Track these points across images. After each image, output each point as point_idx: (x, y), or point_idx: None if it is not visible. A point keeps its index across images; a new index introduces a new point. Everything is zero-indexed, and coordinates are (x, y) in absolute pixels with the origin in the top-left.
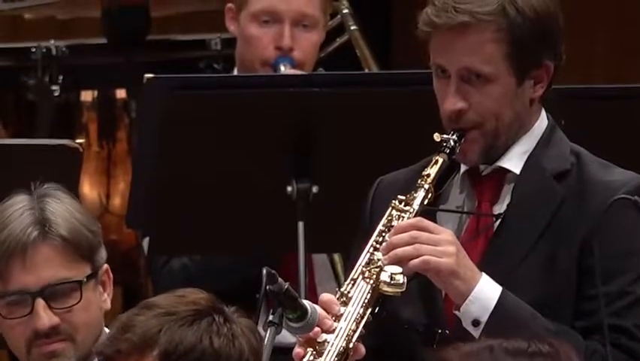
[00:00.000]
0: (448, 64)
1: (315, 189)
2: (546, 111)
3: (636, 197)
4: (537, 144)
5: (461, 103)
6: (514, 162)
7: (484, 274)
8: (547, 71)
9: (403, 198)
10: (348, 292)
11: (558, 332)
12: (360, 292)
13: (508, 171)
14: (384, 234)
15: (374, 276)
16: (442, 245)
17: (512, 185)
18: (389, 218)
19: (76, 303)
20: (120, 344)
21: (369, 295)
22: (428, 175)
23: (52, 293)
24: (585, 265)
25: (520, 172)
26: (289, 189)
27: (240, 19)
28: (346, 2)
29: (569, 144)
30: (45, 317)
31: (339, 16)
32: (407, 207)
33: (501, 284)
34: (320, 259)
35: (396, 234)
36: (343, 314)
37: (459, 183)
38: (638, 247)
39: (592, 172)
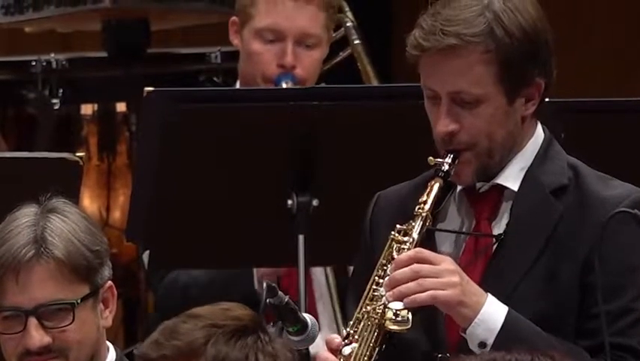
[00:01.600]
0: (438, 87)
1: (315, 202)
2: (545, 125)
3: (636, 210)
4: (534, 159)
5: (453, 125)
6: (511, 178)
7: (489, 295)
8: (538, 88)
9: (402, 228)
10: (355, 331)
11: (565, 351)
12: (365, 331)
13: (505, 188)
14: (385, 267)
15: (379, 314)
16: (444, 276)
17: (510, 202)
18: (389, 251)
19: (69, 324)
20: (166, 349)
21: (375, 333)
22: (425, 202)
23: (45, 313)
24: (587, 283)
25: (518, 189)
26: (289, 202)
27: (244, 33)
28: (350, 15)
29: (567, 158)
30: (36, 336)
31: (342, 29)
32: (406, 238)
33: (502, 301)
34: (319, 274)
35: (397, 268)
36: (352, 355)
37: (456, 201)
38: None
39: (590, 187)
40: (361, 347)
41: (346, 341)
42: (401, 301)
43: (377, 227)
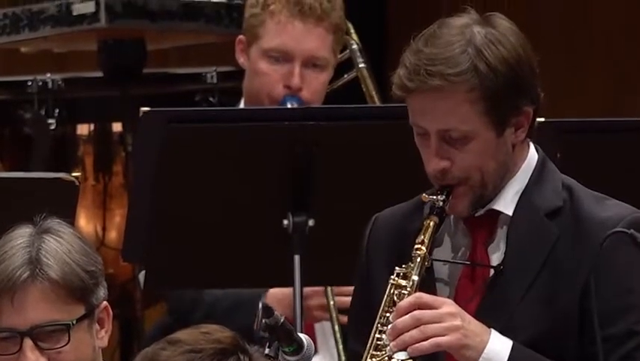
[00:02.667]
0: (427, 124)
1: (311, 222)
2: (539, 144)
3: (632, 230)
4: (528, 182)
5: (444, 162)
6: (506, 203)
7: (492, 331)
8: (526, 116)
9: (401, 270)
10: None
11: None
12: None
13: (500, 213)
14: (387, 314)
15: None
16: (446, 320)
17: (505, 227)
18: (390, 297)
19: (64, 345)
20: None
21: None
22: (422, 242)
23: (40, 333)
24: (587, 307)
25: (513, 213)
26: (285, 222)
27: (251, 53)
28: (356, 37)
29: (561, 177)
30: (32, 357)
31: (347, 50)
32: (406, 282)
33: (501, 327)
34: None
35: (398, 316)
36: None
37: (452, 226)
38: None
39: (586, 208)
40: None
41: None
42: (405, 350)
43: (375, 249)
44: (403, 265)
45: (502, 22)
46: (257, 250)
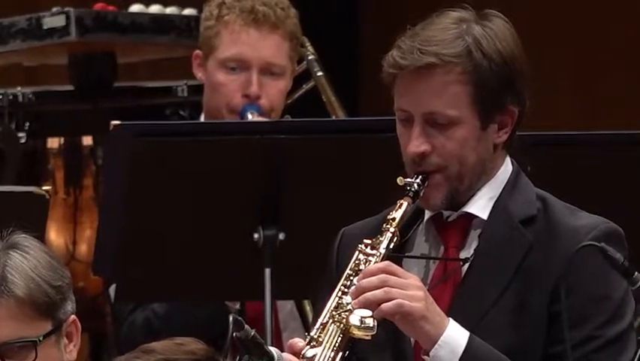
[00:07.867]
0: (413, 107)
1: (281, 236)
2: (512, 158)
3: (603, 243)
4: (503, 189)
5: (425, 146)
6: (480, 207)
7: (451, 319)
8: (511, 116)
9: (369, 242)
10: (319, 336)
11: None
12: (330, 336)
13: (474, 216)
14: (351, 278)
15: (344, 320)
16: (411, 289)
17: (479, 230)
18: (356, 262)
19: None
20: None
21: (339, 339)
22: (393, 219)
23: (7, 351)
24: (554, 311)
25: (488, 218)
26: (256, 236)
27: (208, 65)
28: (312, 48)
29: (535, 189)
30: None
31: (304, 62)
32: (374, 251)
33: (471, 331)
34: (284, 304)
35: (365, 277)
36: (314, 358)
37: (424, 231)
38: (606, 293)
39: (559, 217)
40: (325, 351)
41: (309, 345)
42: (367, 308)
43: (342, 263)
44: (372, 238)
45: (499, 20)
46: (227, 264)
